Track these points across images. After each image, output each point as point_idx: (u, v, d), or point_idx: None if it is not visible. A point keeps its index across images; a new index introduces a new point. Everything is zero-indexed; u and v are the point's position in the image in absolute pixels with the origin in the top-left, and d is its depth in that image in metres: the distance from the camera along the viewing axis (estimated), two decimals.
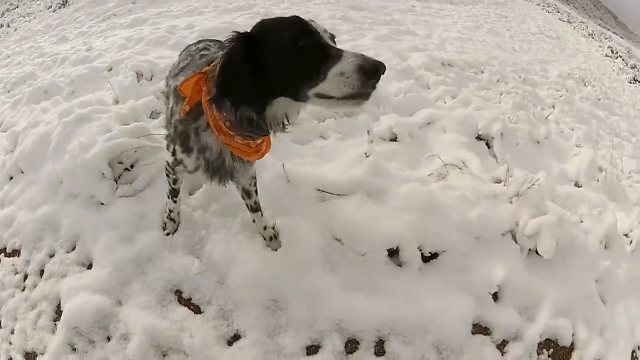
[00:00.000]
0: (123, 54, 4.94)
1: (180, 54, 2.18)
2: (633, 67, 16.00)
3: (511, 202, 2.55)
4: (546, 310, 2.33)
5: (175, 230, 2.21)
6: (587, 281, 2.57)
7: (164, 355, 1.88)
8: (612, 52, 17.13)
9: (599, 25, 34.54)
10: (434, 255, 2.22)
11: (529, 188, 2.52)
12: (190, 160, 1.72)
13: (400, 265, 2.16)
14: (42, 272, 2.35)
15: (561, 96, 6.10)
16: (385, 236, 2.15)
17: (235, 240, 2.13)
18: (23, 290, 2.36)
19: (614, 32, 35.55)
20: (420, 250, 2.19)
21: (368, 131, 3.09)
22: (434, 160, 2.77)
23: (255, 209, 2.09)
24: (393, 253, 2.17)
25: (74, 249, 2.35)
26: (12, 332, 2.25)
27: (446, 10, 11.60)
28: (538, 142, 3.92)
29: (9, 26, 12.85)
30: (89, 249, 2.29)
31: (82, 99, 3.50)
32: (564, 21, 21.23)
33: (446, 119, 3.47)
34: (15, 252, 2.53)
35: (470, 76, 5.37)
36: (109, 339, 1.98)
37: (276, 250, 2.10)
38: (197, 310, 2.00)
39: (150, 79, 3.97)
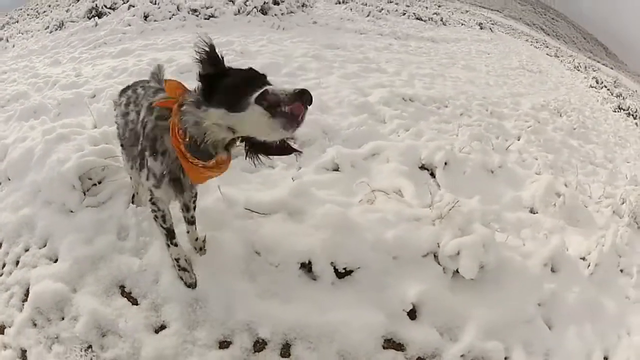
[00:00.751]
0: (107, 82, 5.39)
1: (135, 90, 2.34)
2: (618, 95, 16.74)
3: (434, 225, 2.65)
4: (471, 331, 2.38)
5: (195, 280, 2.27)
6: (526, 304, 2.60)
7: (102, 335, 2.23)
8: (597, 82, 17.85)
9: (589, 57, 35.42)
10: (349, 272, 2.39)
11: (450, 210, 2.64)
12: (157, 164, 1.93)
13: (315, 279, 2.36)
14: (17, 262, 2.76)
15: (529, 127, 6.22)
16: (297, 250, 2.39)
17: None
18: (1, 275, 2.77)
19: (603, 64, 36.53)
20: (334, 266, 2.37)
21: (296, 158, 3.14)
22: (365, 187, 3.00)
23: (191, 222, 2.34)
24: (306, 266, 2.37)
25: (45, 245, 2.75)
26: None
27: (424, 48, 11.83)
28: (492, 172, 4.04)
29: (7, 41, 13.45)
30: (57, 247, 2.67)
31: (65, 120, 3.97)
32: (551, 56, 21.94)
33: (390, 150, 3.68)
34: None
35: (431, 110, 5.54)
36: (62, 318, 2.33)
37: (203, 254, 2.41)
38: (134, 302, 2.33)
39: None
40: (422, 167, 3.70)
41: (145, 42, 8.15)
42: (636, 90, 24.03)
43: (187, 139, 1.75)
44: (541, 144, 5.65)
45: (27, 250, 2.79)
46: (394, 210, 2.75)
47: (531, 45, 23.80)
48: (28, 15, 20.39)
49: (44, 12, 19.12)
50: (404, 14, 18.39)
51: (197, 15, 10.34)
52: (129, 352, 2.15)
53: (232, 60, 6.13)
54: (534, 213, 3.66)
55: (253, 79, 1.70)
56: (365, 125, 4.27)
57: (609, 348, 2.64)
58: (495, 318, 2.49)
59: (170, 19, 10.20)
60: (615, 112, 13.58)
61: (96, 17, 11.29)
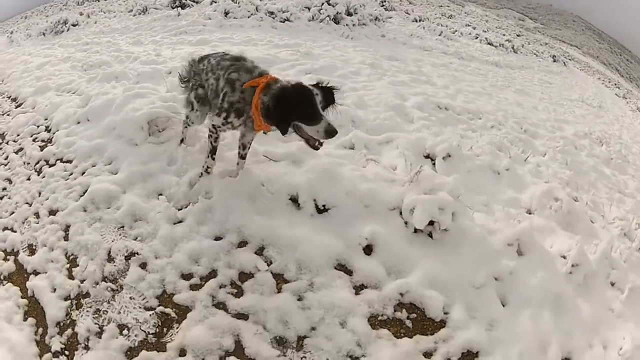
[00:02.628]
0: (183, 63, 6.20)
1: (209, 59, 3.21)
2: None
3: (403, 186, 3.16)
4: (416, 277, 2.71)
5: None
6: (478, 272, 2.80)
7: (134, 220, 3.06)
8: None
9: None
10: (327, 209, 3.00)
11: (416, 174, 3.14)
12: (239, 121, 2.93)
13: (299, 209, 3.02)
14: (83, 172, 3.67)
15: (557, 147, 6.13)
16: (289, 184, 3.12)
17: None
18: (66, 179, 3.69)
19: None
20: (315, 202, 3.01)
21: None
22: (363, 157, 3.63)
23: (243, 157, 3.24)
24: (294, 199, 3.06)
25: (109, 164, 3.67)
26: (47, 199, 3.54)
27: (483, 70, 11.82)
28: (498, 173, 4.25)
29: (89, 17, 14.82)
30: (119, 166, 3.59)
31: (143, 84, 4.97)
32: (619, 96, 20.83)
33: (402, 139, 4.14)
34: (68, 161, 3.90)
35: (462, 119, 5.75)
36: (108, 207, 3.20)
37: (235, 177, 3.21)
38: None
39: None
40: (427, 157, 4.09)
41: (223, 36, 9.04)
42: None
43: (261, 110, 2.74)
44: (567, 164, 5.55)
45: (94, 166, 3.70)
46: (375, 172, 3.33)
47: (602, 83, 22.75)
48: None
49: None
50: (477, 37, 18.48)
51: (273, 18, 11.10)
52: (149, 232, 2.96)
53: (295, 60, 6.99)
54: (530, 213, 3.79)
55: (312, 105, 2.62)
56: (390, 121, 4.72)
57: (574, 350, 2.65)
58: (443, 273, 2.78)
59: (248, 17, 11.01)
60: None
61: (179, 8, 12.52)
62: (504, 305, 2.75)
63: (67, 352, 2.46)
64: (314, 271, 2.70)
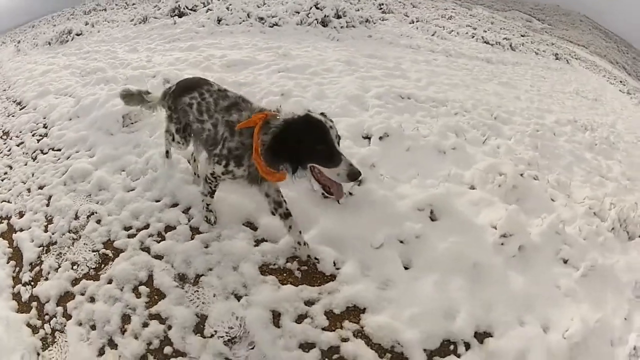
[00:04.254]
0: (168, 68, 6.85)
1: (201, 95, 2.92)
2: None
3: None
4: (312, 233, 2.98)
5: (215, 218, 3.18)
6: (378, 232, 2.95)
7: (99, 190, 3.85)
8: None
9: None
10: None
11: None
12: (240, 170, 2.66)
13: None
14: (69, 157, 4.50)
15: (527, 131, 5.87)
16: None
17: None
18: (55, 163, 4.54)
19: None
20: None
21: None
22: None
23: (284, 215, 2.87)
24: None
25: (89, 150, 4.46)
26: (37, 178, 4.30)
27: (470, 66, 11.55)
28: (444, 152, 4.28)
29: (93, 26, 15.60)
30: (95, 151, 4.38)
31: (127, 86, 5.57)
32: (623, 92, 20.23)
33: (344, 123, 4.33)
34: (58, 149, 4.75)
35: (424, 107, 5.72)
36: (82, 182, 3.98)
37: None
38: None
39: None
40: (365, 137, 4.26)
41: (212, 42, 9.52)
42: None
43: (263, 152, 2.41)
44: (537, 148, 5.35)
45: (77, 152, 4.46)
46: None
47: (607, 80, 22.01)
48: (117, 5, 23.42)
49: (133, 4, 21.71)
50: (473, 36, 18.56)
51: (263, 23, 11.54)
52: (108, 198, 3.70)
53: (271, 61, 7.31)
54: (473, 189, 3.74)
55: (326, 141, 2.27)
56: (342, 109, 4.90)
57: (495, 324, 2.61)
58: (340, 232, 2.94)
59: (240, 24, 11.48)
60: None
61: (177, 17, 13.10)
62: (406, 268, 2.86)
63: (32, 283, 3.17)
64: (224, 225, 3.20)
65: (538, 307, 2.76)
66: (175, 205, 3.49)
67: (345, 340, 2.52)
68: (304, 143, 2.26)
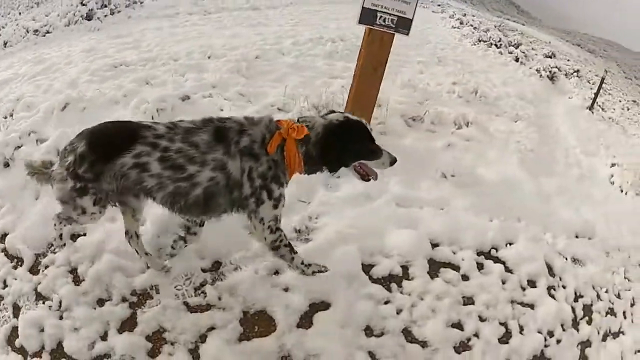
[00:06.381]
0: None
1: (154, 146, 2.29)
2: (486, 31, 17.00)
3: None
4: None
5: (323, 266, 2.93)
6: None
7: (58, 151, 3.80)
8: (462, 23, 18.33)
9: (498, 17, 33.25)
10: None
11: None
12: (284, 190, 2.50)
13: None
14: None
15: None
16: None
17: None
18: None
19: (513, 20, 34.89)
20: None
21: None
22: None
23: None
24: None
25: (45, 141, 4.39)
26: None
27: (222, 16, 12.08)
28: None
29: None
30: (48, 137, 4.47)
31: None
32: (445, 18, 20.36)
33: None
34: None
35: (135, 69, 6.67)
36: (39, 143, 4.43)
37: None
38: None
39: None
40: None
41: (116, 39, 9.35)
42: (537, 39, 22.98)
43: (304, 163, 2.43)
44: (242, 74, 6.64)
45: (28, 134, 4.52)
46: None
47: (443, 18, 20.46)
48: None
49: None
50: None
51: (37, 35, 11.62)
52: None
53: (30, 71, 7.32)
54: None
55: (370, 138, 2.51)
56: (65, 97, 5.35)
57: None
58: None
59: (20, 42, 11.36)
60: (474, 45, 14.16)
61: None
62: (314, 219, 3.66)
63: None
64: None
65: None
66: None
67: None
68: (354, 145, 2.43)
